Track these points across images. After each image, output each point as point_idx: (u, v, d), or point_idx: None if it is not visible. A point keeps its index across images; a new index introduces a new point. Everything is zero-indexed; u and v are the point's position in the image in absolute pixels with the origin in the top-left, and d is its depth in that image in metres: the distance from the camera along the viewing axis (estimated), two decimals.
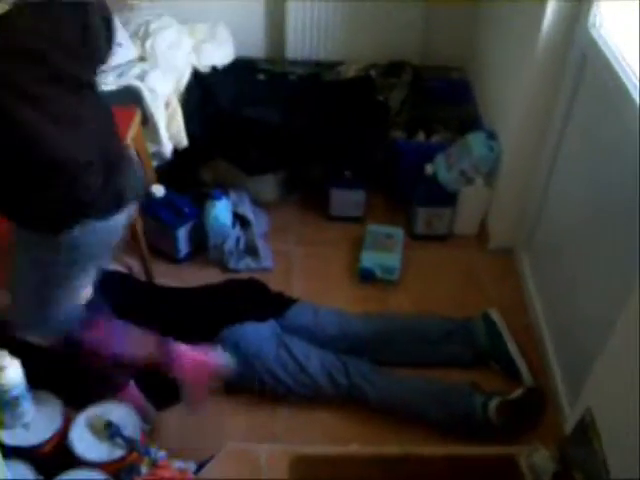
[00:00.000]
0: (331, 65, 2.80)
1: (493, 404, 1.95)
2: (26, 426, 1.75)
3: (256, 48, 2.90)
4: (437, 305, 2.36)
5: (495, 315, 2.21)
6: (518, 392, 2.02)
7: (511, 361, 2.13)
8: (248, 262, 2.54)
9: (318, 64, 2.80)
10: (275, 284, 2.36)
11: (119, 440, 1.74)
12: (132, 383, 1.97)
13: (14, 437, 1.73)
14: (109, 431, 1.75)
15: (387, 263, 2.47)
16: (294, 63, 2.83)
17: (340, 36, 2.86)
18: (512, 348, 2.15)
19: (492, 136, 2.52)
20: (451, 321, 2.24)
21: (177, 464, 1.82)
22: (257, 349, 2.06)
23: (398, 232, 2.60)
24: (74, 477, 1.67)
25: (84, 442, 1.74)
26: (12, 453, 1.69)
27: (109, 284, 2.29)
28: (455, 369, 2.16)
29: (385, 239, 2.56)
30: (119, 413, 1.81)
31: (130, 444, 1.72)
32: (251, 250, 2.55)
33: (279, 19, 2.85)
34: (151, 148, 2.55)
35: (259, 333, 2.10)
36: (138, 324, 2.12)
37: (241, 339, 2.06)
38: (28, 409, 1.75)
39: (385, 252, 2.50)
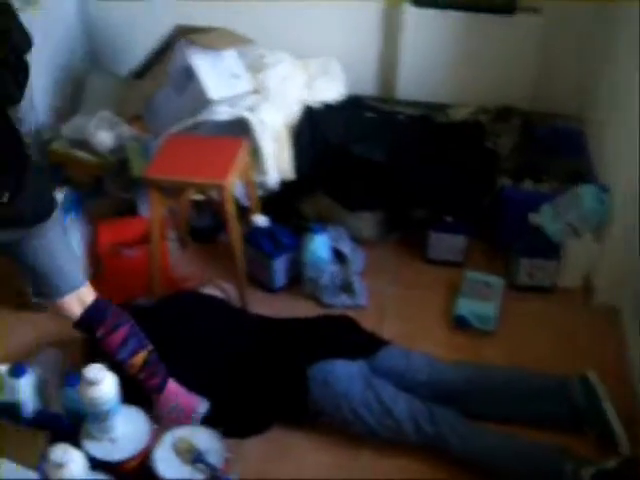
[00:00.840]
0: (440, 107, 2.78)
1: (587, 473, 1.84)
2: (112, 440, 1.79)
3: (367, 86, 2.92)
4: (532, 360, 2.26)
5: (593, 377, 2.09)
6: (614, 462, 1.89)
7: (608, 427, 2.00)
8: (342, 298, 2.53)
9: (427, 105, 2.79)
10: (367, 323, 2.34)
11: (201, 465, 1.75)
12: (171, 382, 1.97)
13: (100, 450, 1.77)
14: (193, 455, 1.77)
15: (483, 312, 2.40)
16: (403, 103, 2.83)
17: (451, 78, 2.85)
18: (610, 413, 2.02)
19: (604, 189, 2.42)
20: (546, 378, 2.14)
21: None
22: (345, 388, 2.03)
23: (497, 281, 2.52)
24: None
25: (167, 463, 1.77)
26: (95, 465, 1.73)
27: (204, 307, 2.35)
28: (545, 430, 2.05)
29: (483, 287, 2.49)
30: (204, 438, 1.83)
31: (212, 471, 1.73)
32: (346, 286, 2.54)
33: (392, 58, 2.87)
34: (257, 178, 2.60)
35: (348, 372, 2.07)
36: (228, 349, 2.16)
37: (330, 376, 2.04)
38: (117, 424, 1.80)
39: (482, 300, 2.43)
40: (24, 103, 2.65)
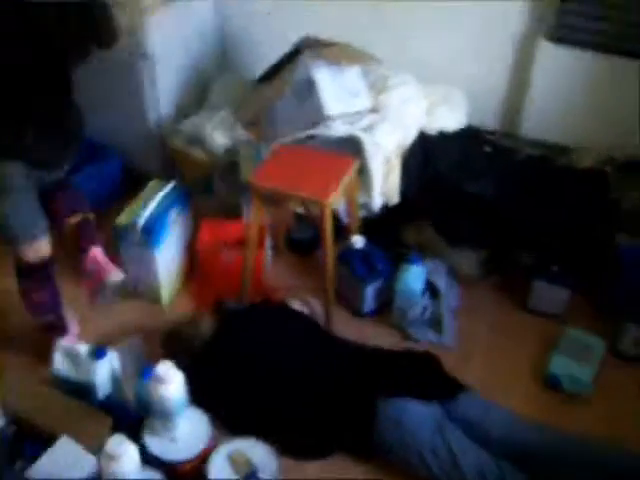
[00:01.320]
0: (563, 149, 2.63)
1: None
2: (173, 440, 1.80)
3: (488, 118, 2.81)
4: (626, 436, 2.08)
5: None
6: None
7: None
8: (429, 334, 2.44)
9: (550, 146, 2.65)
10: (450, 364, 2.23)
11: None
12: (96, 249, 2.25)
13: (159, 447, 1.78)
14: (247, 470, 1.74)
15: (579, 375, 2.23)
16: (524, 140, 2.70)
17: (580, 121, 2.69)
18: None
19: None
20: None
21: None
22: (415, 429, 1.94)
23: (599, 344, 2.35)
24: None
25: (220, 473, 1.75)
26: (150, 461, 1.74)
27: (290, 321, 2.33)
28: None
29: (582, 348, 2.32)
30: (262, 454, 1.81)
31: None
32: (435, 322, 2.45)
33: (519, 93, 2.75)
34: (361, 199, 2.56)
35: (421, 413, 1.98)
36: (305, 367, 2.13)
37: (402, 414, 1.96)
38: (180, 424, 1.80)
39: (579, 362, 2.27)
40: (148, 96, 2.79)
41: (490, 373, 2.32)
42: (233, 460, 1.78)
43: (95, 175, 2.88)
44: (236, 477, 1.75)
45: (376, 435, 1.98)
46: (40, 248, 2.08)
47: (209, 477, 1.73)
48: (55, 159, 2.15)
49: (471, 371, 2.31)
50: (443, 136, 2.72)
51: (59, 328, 2.27)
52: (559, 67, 2.63)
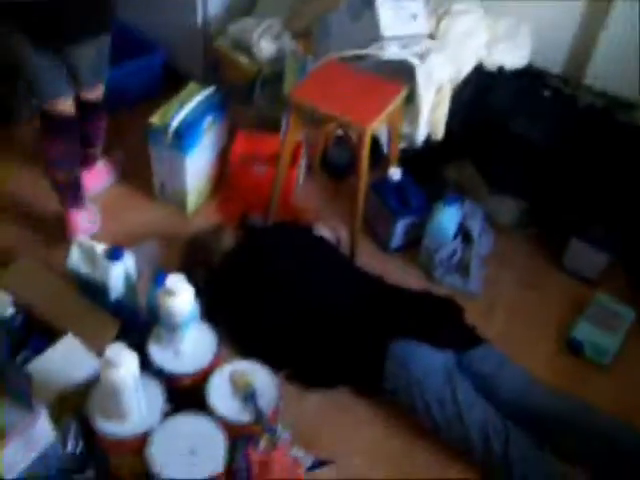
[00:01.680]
0: (627, 104, 2.45)
1: None
2: (177, 352, 1.77)
3: (553, 61, 2.61)
4: None
5: None
6: None
7: None
8: (455, 279, 2.35)
9: (614, 99, 2.46)
10: (472, 314, 2.14)
11: (251, 405, 1.69)
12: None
13: (162, 357, 1.75)
14: (246, 392, 1.72)
15: (602, 343, 2.15)
16: (587, 89, 2.51)
17: None
18: None
19: None
20: None
21: (295, 452, 1.75)
22: (422, 375, 1.89)
23: (629, 313, 2.25)
24: (193, 419, 1.66)
25: (219, 392, 1.73)
26: (152, 371, 1.72)
27: (314, 246, 2.26)
28: None
29: (611, 316, 2.22)
30: (263, 378, 1.77)
31: (259, 415, 1.67)
32: (462, 268, 2.36)
33: (590, 39, 2.54)
34: (405, 129, 2.43)
35: (431, 360, 1.92)
36: (322, 294, 2.07)
37: (411, 359, 1.91)
38: (186, 338, 1.77)
39: (605, 330, 2.18)
40: None
41: (511, 328, 2.24)
42: (234, 381, 1.75)
43: (135, 70, 2.79)
44: (234, 399, 1.71)
45: (383, 376, 1.94)
46: (65, 107, 2.12)
47: (207, 395, 1.71)
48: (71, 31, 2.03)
49: (492, 323, 2.24)
50: (501, 73, 2.54)
51: (75, 196, 2.29)
52: (636, 17, 2.42)
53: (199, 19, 2.74)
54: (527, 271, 2.45)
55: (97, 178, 2.52)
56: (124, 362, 1.50)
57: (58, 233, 2.32)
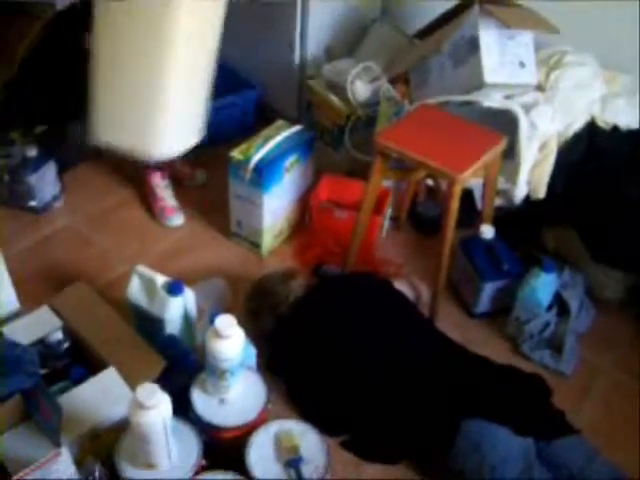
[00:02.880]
0: None
1: None
2: (222, 402, 1.62)
3: None
4: None
5: None
6: None
7: None
8: (545, 355, 2.09)
9: None
10: (561, 398, 1.88)
11: (293, 473, 1.50)
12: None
13: (205, 405, 1.61)
14: (290, 456, 1.53)
15: None
16: None
17: None
18: None
19: None
20: None
21: None
22: (498, 462, 1.64)
23: None
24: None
25: (260, 452, 1.55)
26: (192, 419, 1.57)
27: (391, 301, 2.07)
28: None
29: None
30: (312, 444, 1.58)
31: None
32: (555, 344, 2.10)
33: None
34: (502, 185, 2.23)
35: (510, 445, 1.67)
36: (395, 355, 1.88)
37: (487, 441, 1.67)
38: (233, 387, 1.62)
39: None
40: (298, 31, 2.58)
41: (605, 417, 1.96)
42: (279, 441, 1.56)
43: (230, 104, 2.74)
44: (276, 461, 1.53)
45: (451, 456, 1.70)
46: None
47: (247, 454, 1.53)
48: None
49: (583, 411, 1.96)
50: (616, 132, 2.30)
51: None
52: None
53: (296, 57, 2.66)
54: (630, 356, 2.15)
55: None
56: (155, 404, 1.35)
57: (116, 259, 2.24)
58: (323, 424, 1.71)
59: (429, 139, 2.01)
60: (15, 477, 1.34)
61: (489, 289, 2.16)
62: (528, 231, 2.36)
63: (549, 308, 2.13)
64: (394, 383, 1.84)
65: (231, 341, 1.52)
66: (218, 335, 1.51)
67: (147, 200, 2.54)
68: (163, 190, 2.51)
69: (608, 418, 1.96)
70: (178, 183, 2.60)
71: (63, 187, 2.52)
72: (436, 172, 1.99)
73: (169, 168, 2.55)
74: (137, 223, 2.49)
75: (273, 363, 1.90)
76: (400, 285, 2.16)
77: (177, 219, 2.48)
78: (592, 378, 2.07)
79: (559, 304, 2.15)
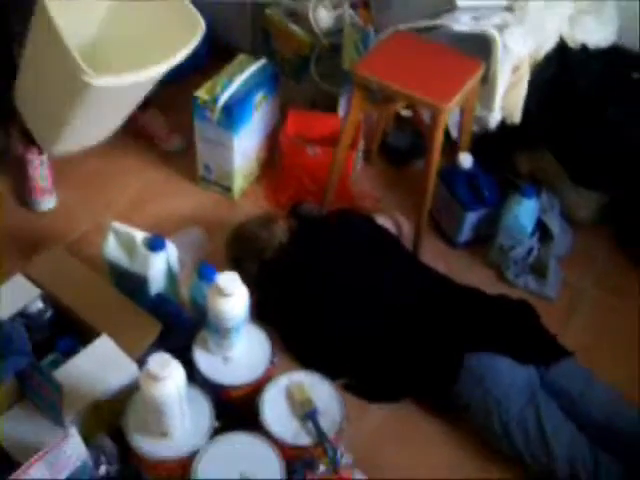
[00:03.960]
0: None
1: None
2: (227, 360, 1.55)
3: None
4: None
5: None
6: None
7: None
8: (529, 280, 2.10)
9: None
10: (548, 321, 1.89)
11: (311, 426, 1.47)
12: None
13: (210, 366, 1.54)
14: (305, 410, 1.49)
15: None
16: None
17: None
18: None
19: None
20: None
21: (358, 477, 1.53)
22: (503, 394, 1.65)
23: None
24: (245, 439, 1.43)
25: (274, 407, 1.51)
26: (197, 380, 1.50)
27: (375, 240, 2.03)
28: None
29: None
30: (325, 394, 1.55)
31: (320, 437, 1.45)
32: (539, 269, 2.11)
33: None
34: (477, 111, 2.17)
35: (513, 376, 1.68)
36: (386, 295, 1.84)
37: (489, 374, 1.67)
38: (236, 344, 1.55)
39: None
40: None
41: (594, 338, 1.99)
42: (291, 394, 1.52)
43: None
44: (292, 416, 1.49)
45: (456, 391, 1.70)
46: None
47: (261, 411, 1.48)
48: None
49: (571, 332, 1.99)
50: (586, 52, 2.27)
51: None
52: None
53: None
54: (609, 273, 2.19)
55: None
56: (170, 375, 1.28)
57: (89, 218, 2.11)
58: (323, 369, 1.67)
59: (408, 68, 1.93)
60: (26, 463, 1.25)
61: (471, 218, 2.14)
62: (500, 156, 2.33)
63: (532, 234, 2.12)
64: (389, 321, 1.82)
65: (234, 298, 1.45)
66: (221, 293, 1.43)
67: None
68: (36, 169, 2.15)
69: (594, 337, 1.99)
70: (152, 145, 2.42)
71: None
72: (420, 103, 1.92)
73: (142, 129, 2.38)
74: (101, 174, 2.33)
75: (262, 310, 1.84)
76: (381, 220, 2.12)
77: (47, 202, 2.18)
78: (575, 299, 2.11)
79: (540, 229, 2.15)
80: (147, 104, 2.26)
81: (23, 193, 2.19)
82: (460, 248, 2.21)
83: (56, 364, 1.52)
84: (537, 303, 1.96)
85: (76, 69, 1.72)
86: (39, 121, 2.11)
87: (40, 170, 2.13)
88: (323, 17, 2.35)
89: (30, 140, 2.13)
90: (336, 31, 2.35)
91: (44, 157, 2.13)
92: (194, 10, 2.00)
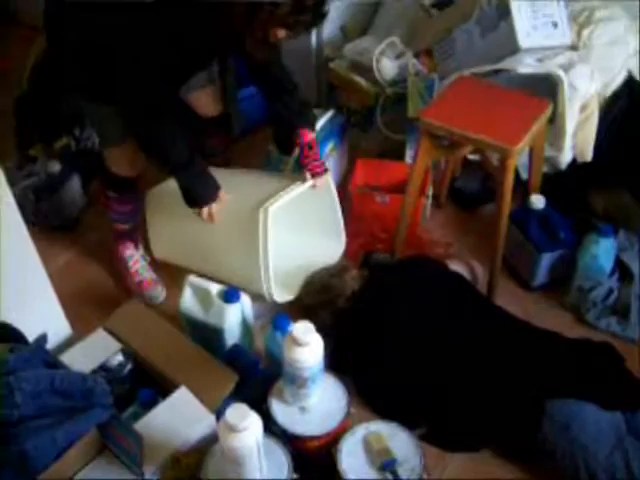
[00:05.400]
0: None
1: None
2: (303, 411, 1.55)
3: None
4: None
5: None
6: None
7: None
8: (611, 322, 2.03)
9: None
10: (633, 364, 1.83)
11: (389, 476, 1.44)
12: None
13: (286, 416, 1.53)
14: (384, 460, 1.46)
15: None
16: None
17: None
18: None
19: None
20: None
21: None
22: (590, 441, 1.59)
23: None
24: None
25: (352, 458, 1.49)
26: (273, 431, 1.50)
27: (448, 284, 2.00)
28: None
29: None
30: (404, 444, 1.51)
31: None
32: (621, 310, 2.04)
33: None
34: (547, 152, 2.15)
35: (599, 423, 1.62)
36: (463, 341, 1.81)
37: (575, 421, 1.61)
38: (313, 394, 1.54)
39: None
40: None
41: None
42: (369, 444, 1.50)
43: (251, 95, 2.62)
44: (370, 466, 1.46)
45: (539, 439, 1.64)
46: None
47: (339, 461, 1.46)
48: None
49: None
50: None
51: (131, 239, 2.15)
52: None
53: (313, 39, 2.55)
54: None
55: None
56: (248, 427, 1.28)
57: (167, 274, 2.17)
58: (400, 418, 1.64)
59: (474, 112, 1.93)
60: None
61: (546, 260, 2.09)
62: (574, 195, 2.28)
63: (611, 274, 2.06)
64: (469, 369, 1.78)
65: (310, 348, 1.45)
66: (296, 343, 1.44)
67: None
68: (137, 262, 2.16)
69: None
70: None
71: (90, 200, 2.42)
72: (488, 146, 1.91)
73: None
74: None
75: (338, 360, 1.83)
76: (454, 265, 2.09)
77: (157, 294, 2.12)
78: None
79: (619, 268, 2.08)
80: None
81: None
82: (536, 291, 2.16)
83: (136, 416, 1.54)
84: (620, 346, 1.90)
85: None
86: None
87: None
88: (387, 67, 2.39)
89: None
90: (400, 80, 2.38)
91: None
92: None
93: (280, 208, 1.87)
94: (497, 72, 2.17)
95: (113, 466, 1.47)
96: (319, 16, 1.62)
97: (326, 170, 2.00)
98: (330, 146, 2.21)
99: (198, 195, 1.85)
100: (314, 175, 1.96)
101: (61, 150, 2.39)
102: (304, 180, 1.96)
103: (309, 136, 1.96)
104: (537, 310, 2.09)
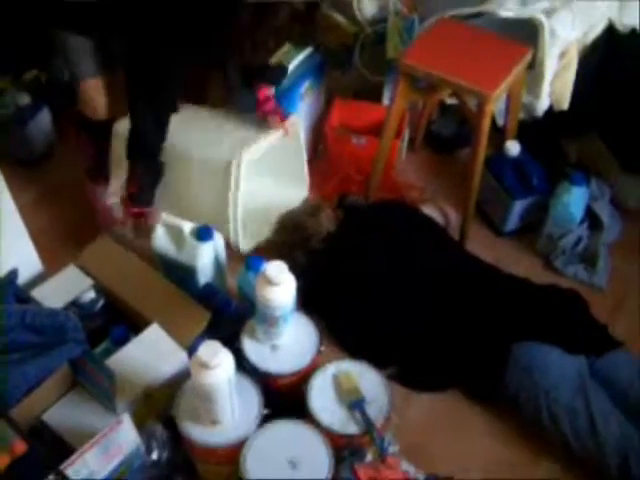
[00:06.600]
0: None
1: None
2: (275, 348, 1.57)
3: None
4: None
5: None
6: None
7: None
8: (578, 269, 2.07)
9: None
10: (597, 311, 1.87)
11: (358, 415, 1.47)
12: None
13: (258, 354, 1.55)
14: (353, 399, 1.50)
15: None
16: None
17: None
18: None
19: None
20: None
21: (405, 466, 1.53)
22: (553, 385, 1.64)
23: None
24: (293, 427, 1.45)
25: (322, 396, 1.51)
26: (245, 368, 1.52)
27: (420, 229, 2.02)
28: None
29: None
30: (373, 383, 1.54)
31: (368, 426, 1.45)
32: (588, 257, 2.08)
33: None
34: (524, 98, 2.14)
35: (562, 367, 1.67)
36: (432, 285, 1.84)
37: (539, 364, 1.66)
38: (284, 333, 1.56)
39: None
40: None
41: None
42: (338, 383, 1.53)
43: None
44: (339, 405, 1.50)
45: (504, 381, 1.69)
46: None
47: (309, 399, 1.49)
48: None
49: (620, 322, 1.95)
50: (635, 35, 2.21)
51: (102, 175, 2.09)
52: None
53: None
54: None
55: None
56: (220, 363, 1.30)
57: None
58: (370, 358, 1.67)
59: (454, 55, 1.91)
60: (81, 449, 1.28)
61: (519, 206, 2.11)
62: (549, 143, 2.29)
63: (581, 222, 2.09)
64: (437, 310, 1.81)
65: (282, 287, 1.46)
66: (269, 282, 1.44)
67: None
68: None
69: None
70: None
71: (60, 134, 2.37)
72: (466, 91, 1.91)
73: None
74: None
75: (310, 299, 1.85)
76: (428, 210, 2.11)
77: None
78: (625, 288, 2.06)
79: (589, 217, 2.11)
80: None
81: None
82: (507, 237, 2.19)
83: (108, 352, 1.55)
84: (586, 292, 1.95)
85: None
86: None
87: None
88: (367, 6, 2.34)
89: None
90: (380, 20, 2.34)
91: None
92: None
93: (252, 161, 1.86)
94: (478, 15, 2.14)
95: (85, 401, 1.49)
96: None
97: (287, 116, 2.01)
98: (307, 85, 2.17)
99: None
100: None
101: (31, 82, 2.31)
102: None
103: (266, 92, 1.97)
104: (507, 255, 2.13)
